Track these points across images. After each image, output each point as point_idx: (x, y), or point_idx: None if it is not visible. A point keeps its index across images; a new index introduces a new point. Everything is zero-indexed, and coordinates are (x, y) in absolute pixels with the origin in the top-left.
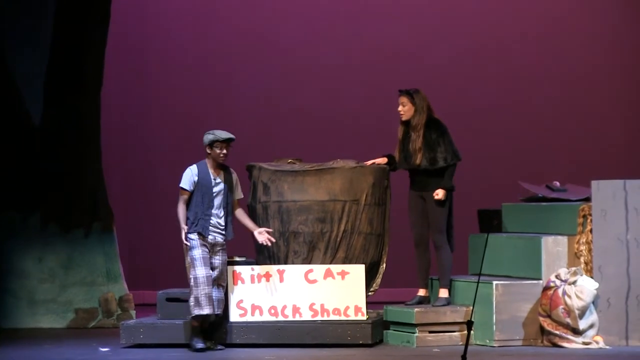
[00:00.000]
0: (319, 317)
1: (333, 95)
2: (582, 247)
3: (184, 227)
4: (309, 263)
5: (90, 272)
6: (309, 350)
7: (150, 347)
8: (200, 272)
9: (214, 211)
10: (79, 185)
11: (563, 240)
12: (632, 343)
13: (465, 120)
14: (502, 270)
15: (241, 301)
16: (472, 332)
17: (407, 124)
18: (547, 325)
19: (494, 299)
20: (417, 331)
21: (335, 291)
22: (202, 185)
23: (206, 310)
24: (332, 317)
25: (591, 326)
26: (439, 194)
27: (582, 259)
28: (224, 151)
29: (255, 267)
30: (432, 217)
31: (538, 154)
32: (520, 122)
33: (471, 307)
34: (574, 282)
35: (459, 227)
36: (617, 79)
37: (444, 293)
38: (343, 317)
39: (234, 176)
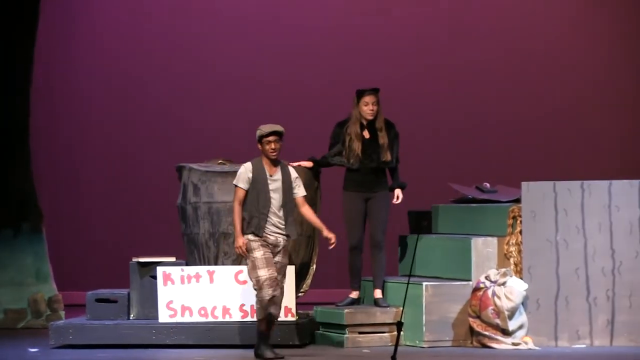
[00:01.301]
0: (249, 318)
1: (262, 95)
2: (512, 248)
3: (239, 234)
4: (239, 264)
5: (19, 273)
6: (238, 351)
7: (80, 348)
8: (262, 273)
9: (272, 210)
10: (8, 185)
11: (493, 241)
12: (561, 344)
13: (395, 120)
14: (432, 271)
15: (171, 302)
16: (402, 332)
17: (369, 122)
18: (477, 326)
19: (424, 300)
20: (347, 332)
21: None
22: (257, 182)
23: (272, 310)
24: None
25: (520, 327)
26: (399, 196)
27: (511, 260)
28: (273, 146)
29: (185, 267)
30: (379, 218)
31: (469, 155)
32: (450, 123)
33: (401, 308)
34: (503, 283)
35: (390, 228)
36: (549, 80)
37: (380, 293)
38: None
39: (293, 173)
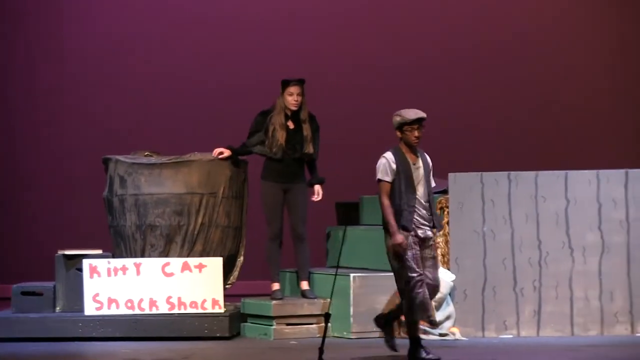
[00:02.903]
0: (176, 310)
1: (189, 87)
2: (439, 239)
3: (397, 231)
4: (166, 256)
5: None
6: (166, 344)
7: (6, 342)
8: (414, 274)
9: (419, 201)
10: None
11: None
12: (488, 334)
13: (320, 111)
14: (359, 262)
15: (97, 294)
16: (329, 324)
17: (294, 113)
18: (404, 317)
19: (351, 291)
20: (275, 324)
21: (193, 284)
22: (403, 172)
23: (419, 316)
24: (190, 310)
25: (448, 318)
26: (320, 192)
27: (439, 251)
28: (417, 134)
29: (112, 260)
30: (300, 209)
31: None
32: (377, 113)
33: (329, 300)
34: None
35: (317, 220)
36: (490, 72)
37: (307, 285)
38: (200, 310)
39: (430, 161)
